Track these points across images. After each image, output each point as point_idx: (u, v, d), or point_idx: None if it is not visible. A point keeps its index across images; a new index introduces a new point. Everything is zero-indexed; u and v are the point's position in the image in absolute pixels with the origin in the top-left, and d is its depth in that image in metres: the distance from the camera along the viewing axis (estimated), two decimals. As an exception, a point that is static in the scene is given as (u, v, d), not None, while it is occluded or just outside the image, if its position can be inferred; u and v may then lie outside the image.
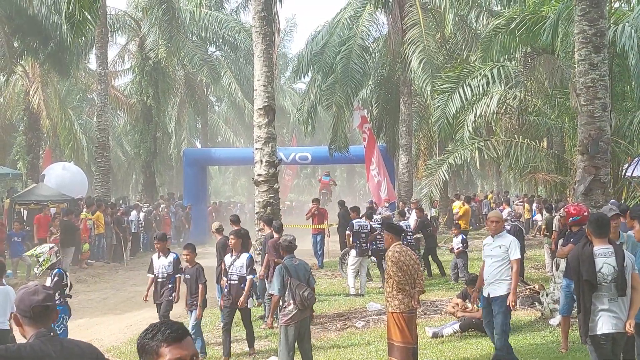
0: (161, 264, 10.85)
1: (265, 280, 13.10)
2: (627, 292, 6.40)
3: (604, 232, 6.55)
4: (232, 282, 10.45)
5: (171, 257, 10.87)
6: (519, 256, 8.83)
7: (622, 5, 16.64)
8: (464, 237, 17.13)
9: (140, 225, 25.96)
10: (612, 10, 14.51)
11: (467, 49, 23.99)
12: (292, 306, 8.57)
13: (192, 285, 10.48)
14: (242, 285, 10.36)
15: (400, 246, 8.53)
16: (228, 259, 10.73)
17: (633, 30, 12.88)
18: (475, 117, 16.36)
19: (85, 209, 22.30)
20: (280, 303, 8.96)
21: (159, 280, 10.83)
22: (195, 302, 10.38)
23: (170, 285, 10.75)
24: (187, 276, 10.54)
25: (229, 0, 40.61)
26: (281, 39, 50.33)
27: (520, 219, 21.68)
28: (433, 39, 24.61)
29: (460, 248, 16.43)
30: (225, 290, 10.59)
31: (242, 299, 10.24)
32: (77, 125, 32.94)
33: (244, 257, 10.54)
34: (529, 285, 13.75)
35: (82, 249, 21.18)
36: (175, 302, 10.87)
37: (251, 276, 10.51)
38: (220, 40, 38.45)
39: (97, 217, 22.19)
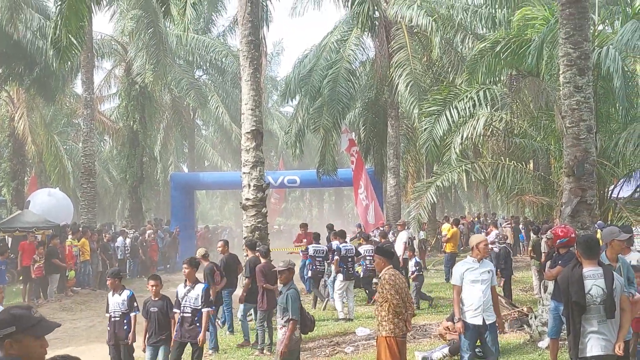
0: (115, 301, 10.13)
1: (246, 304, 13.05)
2: (615, 314, 6.38)
3: (594, 253, 6.55)
4: (184, 314, 9.72)
5: (125, 294, 10.11)
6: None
7: (606, 27, 16.79)
8: (418, 260, 16.96)
9: (126, 252, 25.77)
10: (596, 33, 14.62)
11: (453, 71, 24.12)
12: (297, 331, 8.59)
13: (160, 319, 9.70)
14: (196, 318, 9.68)
15: (392, 269, 8.49)
16: (181, 289, 9.95)
17: (617, 52, 12.96)
18: (462, 139, 16.38)
19: (70, 236, 22.11)
20: (280, 328, 8.82)
21: (113, 319, 10.08)
22: (163, 337, 9.67)
23: (126, 327, 10.02)
24: (154, 309, 9.74)
25: (215, 24, 40.82)
26: (268, 62, 50.58)
27: (507, 241, 21.67)
28: (419, 62, 24.78)
29: (415, 272, 16.24)
30: (178, 323, 9.75)
31: (201, 336, 9.61)
32: (62, 150, 32.76)
33: (199, 287, 9.87)
34: (517, 307, 13.70)
35: (67, 276, 20.97)
36: (133, 342, 10.12)
37: (208, 309, 9.88)
38: (208, 64, 38.61)
39: (82, 243, 22.00)
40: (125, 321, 10.03)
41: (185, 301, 9.76)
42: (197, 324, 9.64)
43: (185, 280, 10.01)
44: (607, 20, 16.82)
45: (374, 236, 20.48)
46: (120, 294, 10.13)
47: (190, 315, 9.68)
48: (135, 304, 10.14)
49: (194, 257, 10.89)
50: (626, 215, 13.27)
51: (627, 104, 13.67)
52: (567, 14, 10.99)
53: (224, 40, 39.88)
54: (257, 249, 13.46)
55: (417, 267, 16.37)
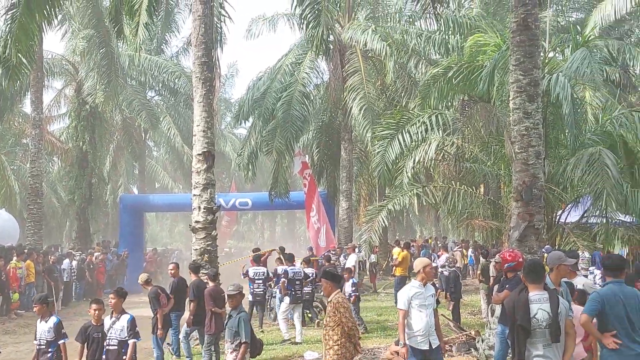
0: (42, 329, 9.57)
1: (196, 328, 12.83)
2: (560, 338, 6.42)
3: (539, 278, 6.59)
4: (110, 347, 9.20)
5: (52, 321, 9.53)
6: None
7: (557, 55, 17.15)
8: (355, 281, 16.61)
9: (72, 274, 25.13)
10: (547, 60, 14.91)
11: (407, 96, 24.37)
12: (248, 354, 8.73)
13: (102, 345, 9.23)
14: (123, 350, 9.16)
15: (341, 293, 8.44)
16: (107, 321, 9.40)
17: (566, 79, 13.21)
18: (414, 163, 16.52)
19: (15, 257, 21.50)
20: (230, 353, 8.75)
21: (38, 347, 9.56)
22: None
23: (49, 355, 9.46)
24: (97, 335, 9.27)
25: (169, 45, 40.50)
26: (222, 84, 50.39)
27: (457, 265, 21.81)
28: (373, 86, 24.99)
29: (352, 294, 15.62)
30: (104, 356, 9.26)
31: None
32: (9, 171, 31.95)
33: (125, 319, 9.31)
34: (465, 331, 13.75)
35: (11, 298, 20.37)
36: None
37: (134, 340, 9.27)
38: (160, 85, 38.28)
39: (27, 265, 21.44)
40: (50, 350, 9.49)
41: (111, 333, 9.27)
42: (124, 357, 9.19)
43: (112, 312, 9.52)
44: (557, 48, 17.19)
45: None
46: (46, 321, 9.59)
47: (116, 347, 9.20)
48: (62, 330, 9.60)
49: (121, 287, 10.37)
50: (573, 240, 13.44)
51: (576, 130, 13.92)
52: (518, 41, 11.19)
53: (177, 61, 39.60)
54: (206, 272, 13.30)
55: (354, 289, 16.02)
